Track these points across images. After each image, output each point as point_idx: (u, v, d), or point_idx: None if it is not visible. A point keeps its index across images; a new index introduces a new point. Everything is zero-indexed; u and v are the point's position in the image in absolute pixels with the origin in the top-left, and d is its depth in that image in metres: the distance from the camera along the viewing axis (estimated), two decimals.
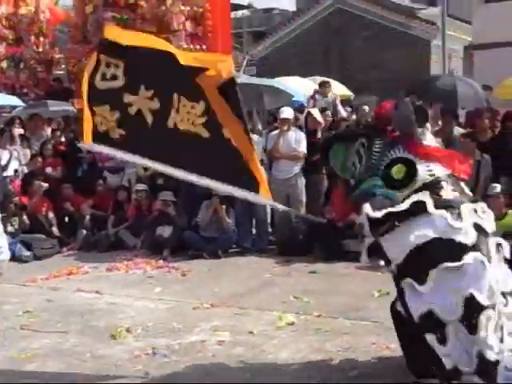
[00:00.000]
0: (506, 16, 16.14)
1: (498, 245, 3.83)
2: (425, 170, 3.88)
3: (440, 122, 8.96)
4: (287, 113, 9.05)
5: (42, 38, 14.22)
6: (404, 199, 3.80)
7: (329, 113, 9.54)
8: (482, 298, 3.55)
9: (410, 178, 3.85)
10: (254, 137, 8.95)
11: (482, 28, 17.52)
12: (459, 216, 3.73)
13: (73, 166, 10.58)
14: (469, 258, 3.60)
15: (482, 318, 3.53)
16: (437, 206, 3.72)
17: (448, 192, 3.84)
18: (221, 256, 8.50)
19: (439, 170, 3.90)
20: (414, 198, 3.76)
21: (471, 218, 3.75)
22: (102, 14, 12.96)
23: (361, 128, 4.13)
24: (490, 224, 3.86)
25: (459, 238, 3.65)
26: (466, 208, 3.77)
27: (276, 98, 10.26)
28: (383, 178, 3.91)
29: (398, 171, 3.89)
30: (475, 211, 3.83)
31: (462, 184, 4.01)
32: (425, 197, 3.74)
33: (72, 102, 12.84)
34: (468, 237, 3.66)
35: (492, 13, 17.03)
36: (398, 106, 4.09)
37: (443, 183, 3.87)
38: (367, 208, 3.82)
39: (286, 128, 8.82)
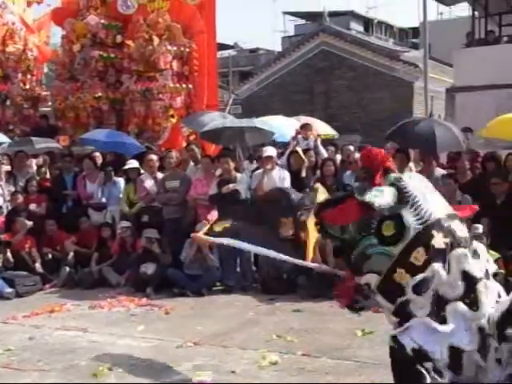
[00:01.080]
0: (485, 60, 16.51)
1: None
2: (414, 219, 3.86)
3: (421, 163, 9.17)
4: (270, 151, 9.17)
5: (29, 76, 14.29)
6: (400, 252, 3.84)
7: (312, 153, 9.65)
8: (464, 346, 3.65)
9: (401, 232, 3.85)
10: (239, 175, 9.06)
11: (463, 71, 17.87)
12: (449, 265, 3.77)
13: (57, 203, 10.58)
14: (450, 308, 3.71)
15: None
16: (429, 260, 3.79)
17: (439, 240, 3.83)
18: (205, 294, 8.48)
19: (428, 213, 3.89)
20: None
21: (459, 266, 3.78)
22: (90, 52, 13.09)
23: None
24: (480, 267, 3.88)
25: (446, 291, 3.74)
26: (453, 258, 3.80)
27: (257, 135, 10.39)
28: (377, 238, 3.93)
29: (387, 229, 3.90)
30: (465, 256, 3.84)
31: (456, 223, 3.97)
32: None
33: (57, 138, 12.89)
34: (454, 289, 3.73)
35: (472, 56, 17.41)
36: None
37: (434, 231, 3.84)
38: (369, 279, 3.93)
39: (269, 167, 8.93)
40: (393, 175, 4.07)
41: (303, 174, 9.08)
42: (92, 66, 13.07)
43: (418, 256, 3.80)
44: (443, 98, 21.63)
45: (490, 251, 6.98)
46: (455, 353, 3.68)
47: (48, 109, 14.41)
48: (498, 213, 7.90)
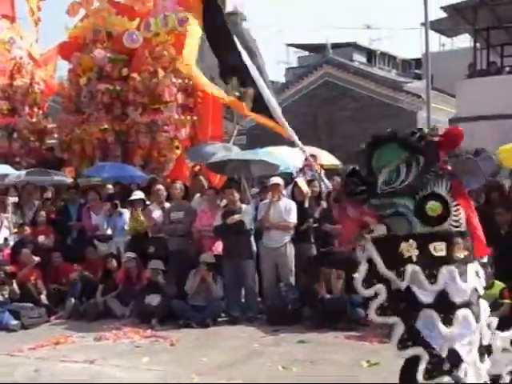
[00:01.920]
0: (487, 90, 16.66)
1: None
2: (452, 220, 3.79)
3: None
4: (277, 179, 9.23)
5: (35, 109, 14.49)
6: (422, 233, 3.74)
7: (316, 183, 9.71)
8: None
9: (441, 220, 3.74)
10: (244, 206, 9.10)
11: (465, 101, 18.01)
12: (465, 275, 3.79)
13: (62, 235, 10.64)
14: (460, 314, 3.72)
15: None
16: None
17: (459, 250, 3.81)
18: (210, 325, 8.47)
19: (462, 220, 3.85)
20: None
21: (473, 281, 3.84)
22: (96, 85, 13.27)
23: (423, 144, 3.83)
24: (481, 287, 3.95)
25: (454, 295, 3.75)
26: (470, 271, 3.84)
27: (263, 167, 10.48)
28: (416, 207, 3.74)
29: (433, 209, 3.73)
30: (478, 273, 3.91)
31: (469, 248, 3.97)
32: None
33: (64, 170, 13.00)
34: (462, 296, 3.74)
35: (475, 87, 17.56)
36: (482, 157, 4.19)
37: (459, 239, 3.81)
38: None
39: (276, 196, 8.96)
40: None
41: (306, 204, 9.12)
42: (98, 98, 13.24)
43: (437, 248, 3.73)
44: (446, 128, 21.72)
45: (496, 281, 7.02)
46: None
47: (54, 141, 14.56)
48: (503, 242, 7.89)
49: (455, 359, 3.66)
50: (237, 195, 9.12)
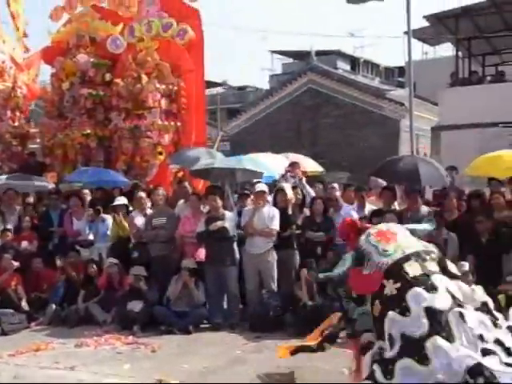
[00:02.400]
0: (469, 99, 16.83)
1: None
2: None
3: (406, 201, 9.28)
4: (263, 186, 9.24)
5: (18, 113, 14.38)
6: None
7: (299, 190, 9.73)
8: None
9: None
10: (227, 213, 9.09)
11: (447, 110, 18.18)
12: (408, 306, 4.00)
13: (44, 240, 10.56)
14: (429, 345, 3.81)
15: None
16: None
17: (390, 287, 4.13)
18: (192, 331, 8.44)
19: (380, 265, 4.24)
20: None
21: (419, 306, 3.94)
22: (79, 90, 13.20)
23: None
24: (442, 299, 3.99)
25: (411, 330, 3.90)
26: (410, 299, 4.01)
27: (247, 173, 10.51)
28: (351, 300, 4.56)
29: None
30: (419, 294, 4.01)
31: (411, 263, 4.21)
32: None
33: (45, 176, 12.90)
34: (420, 327, 3.87)
35: (457, 96, 17.74)
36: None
37: (384, 281, 4.16)
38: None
39: (261, 203, 8.97)
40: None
41: (289, 211, 9.13)
42: (81, 103, 13.17)
43: (376, 308, 4.14)
44: (429, 136, 21.89)
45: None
46: None
47: (36, 146, 14.46)
48: (483, 250, 7.97)
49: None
50: (220, 201, 9.11)
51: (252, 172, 10.38)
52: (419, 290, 3.98)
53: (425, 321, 3.85)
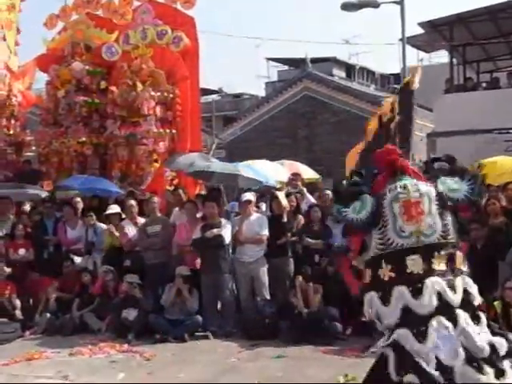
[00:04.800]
0: (464, 106, 16.86)
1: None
2: (377, 242, 4.25)
3: None
4: (249, 196, 9.25)
5: (13, 121, 14.35)
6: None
7: (293, 198, 9.71)
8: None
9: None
10: (223, 220, 9.09)
11: (442, 116, 18.21)
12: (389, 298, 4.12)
13: (38, 249, 10.50)
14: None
15: None
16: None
17: (385, 272, 4.16)
18: (186, 340, 8.40)
19: (390, 242, 4.24)
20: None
21: (398, 302, 4.07)
22: (74, 98, 13.18)
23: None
24: (424, 304, 4.03)
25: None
26: (393, 294, 4.09)
27: (250, 180, 10.51)
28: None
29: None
30: (402, 295, 4.09)
31: (414, 257, 4.19)
32: None
33: (41, 184, 12.86)
34: (388, 319, 4.06)
35: (452, 102, 17.77)
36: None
37: (383, 262, 4.17)
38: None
39: (247, 211, 8.98)
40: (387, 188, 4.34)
41: (284, 218, 9.12)
42: (76, 111, 13.13)
43: (366, 276, 4.24)
44: (424, 143, 21.91)
45: None
46: None
47: (32, 154, 14.41)
48: (479, 257, 7.94)
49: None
50: (217, 209, 9.10)
51: (251, 179, 10.36)
52: (405, 290, 4.04)
53: (395, 316, 4.02)
